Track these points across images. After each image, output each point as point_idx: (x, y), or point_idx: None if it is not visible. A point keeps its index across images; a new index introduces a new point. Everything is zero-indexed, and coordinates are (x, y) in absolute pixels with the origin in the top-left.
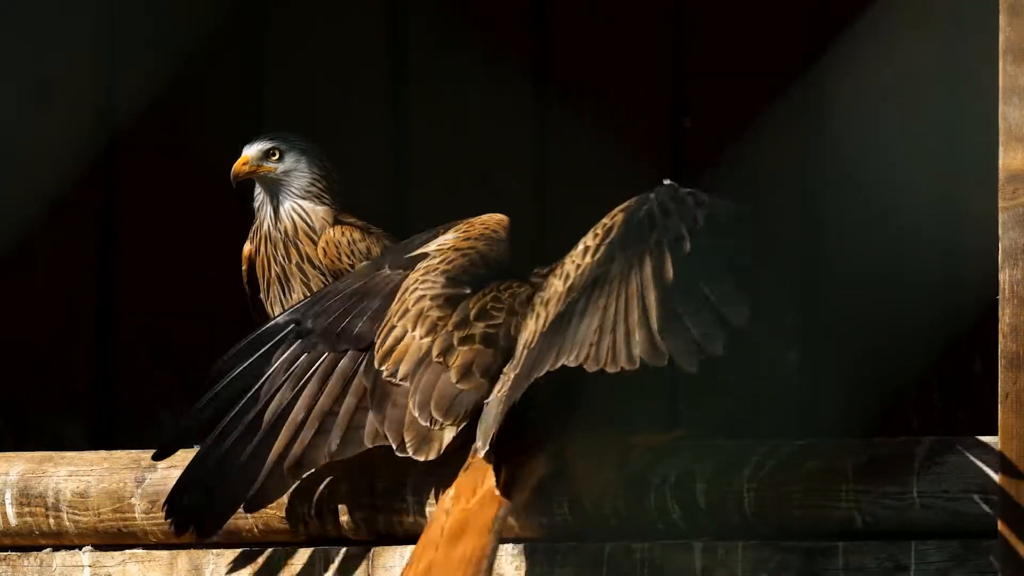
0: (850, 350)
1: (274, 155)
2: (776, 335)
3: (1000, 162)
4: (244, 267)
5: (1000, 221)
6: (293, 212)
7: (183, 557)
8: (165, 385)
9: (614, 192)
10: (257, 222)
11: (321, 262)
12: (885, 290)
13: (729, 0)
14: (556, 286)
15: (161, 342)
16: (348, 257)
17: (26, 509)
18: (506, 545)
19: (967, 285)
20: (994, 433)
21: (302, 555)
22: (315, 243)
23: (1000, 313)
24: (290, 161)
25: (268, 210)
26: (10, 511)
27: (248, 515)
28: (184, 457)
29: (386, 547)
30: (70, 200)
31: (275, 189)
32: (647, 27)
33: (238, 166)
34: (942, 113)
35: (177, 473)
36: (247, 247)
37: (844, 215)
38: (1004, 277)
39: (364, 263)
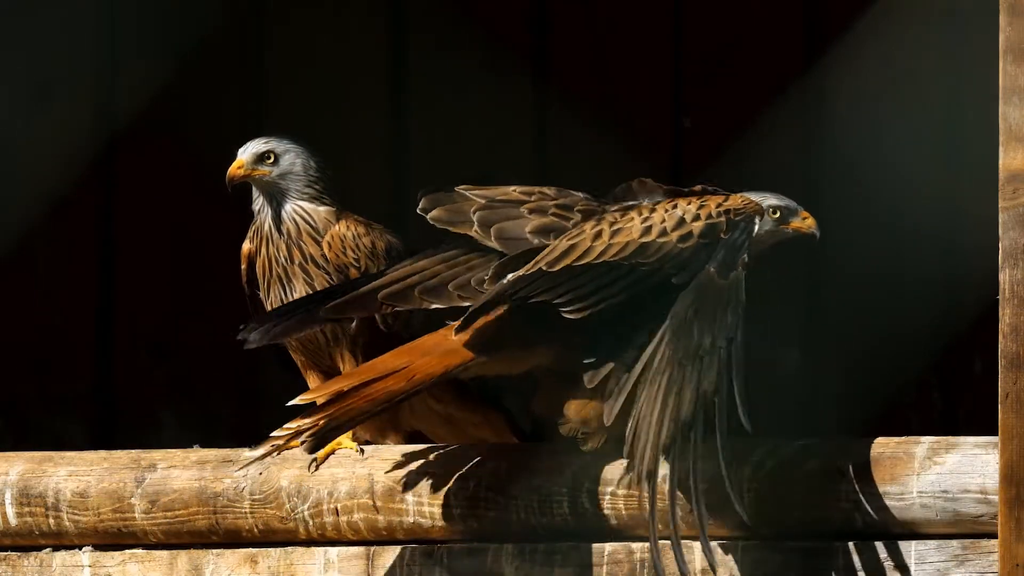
0: (850, 350)
1: (269, 158)
2: (777, 336)
3: (1000, 162)
4: (243, 265)
5: (1000, 221)
6: (295, 214)
7: (183, 557)
8: (165, 385)
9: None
10: (257, 223)
11: (326, 259)
12: (885, 290)
13: (729, 0)
14: (634, 224)
15: (161, 342)
16: (353, 252)
17: (26, 509)
18: (506, 545)
19: (967, 285)
20: (994, 433)
21: (302, 555)
22: (318, 243)
23: (1000, 313)
24: (285, 164)
25: (268, 212)
26: (10, 511)
27: (249, 515)
28: (184, 456)
29: (386, 547)
30: (70, 200)
31: (273, 192)
32: (647, 27)
33: (233, 170)
34: (942, 113)
35: (177, 473)
36: (246, 245)
37: (844, 215)
38: (1004, 277)
39: None
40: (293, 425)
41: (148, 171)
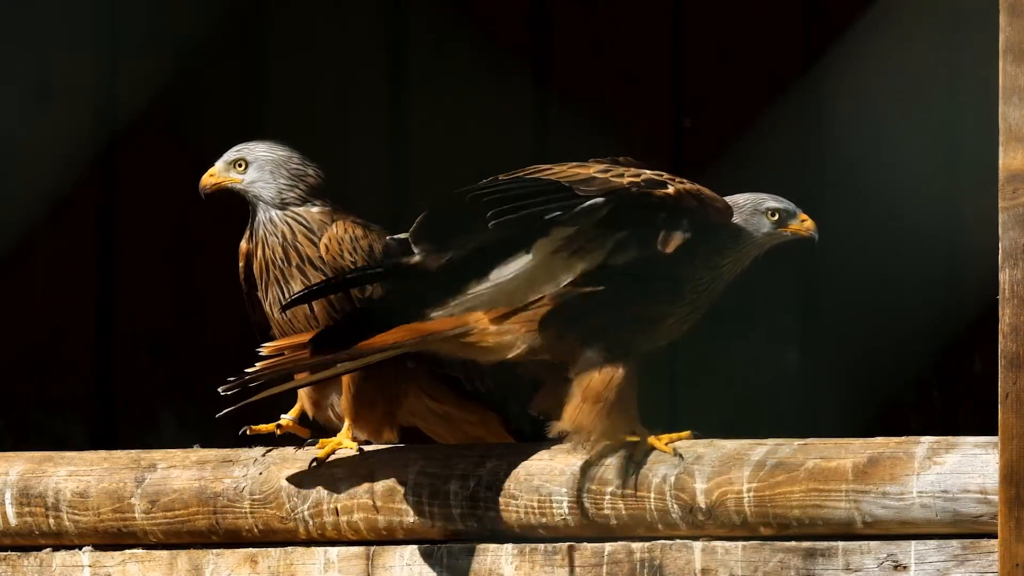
0: (850, 350)
1: (240, 165)
2: (777, 336)
3: (1000, 162)
4: (241, 263)
5: (1000, 221)
6: (288, 217)
7: (183, 557)
8: (165, 385)
9: None
10: (253, 225)
11: (323, 260)
12: (885, 290)
13: (729, 0)
14: (598, 167)
15: (161, 342)
16: (351, 254)
17: (26, 509)
18: (506, 545)
19: (967, 285)
20: (994, 433)
21: (302, 555)
22: (315, 244)
23: (1000, 313)
24: (253, 172)
25: (260, 215)
26: (10, 511)
27: (249, 515)
28: (184, 456)
29: (386, 547)
30: (71, 199)
31: (254, 197)
32: (647, 27)
33: (204, 178)
34: (942, 113)
35: (177, 473)
36: (244, 244)
37: (844, 215)
38: (1004, 277)
39: None
40: (258, 366)
41: (148, 171)
